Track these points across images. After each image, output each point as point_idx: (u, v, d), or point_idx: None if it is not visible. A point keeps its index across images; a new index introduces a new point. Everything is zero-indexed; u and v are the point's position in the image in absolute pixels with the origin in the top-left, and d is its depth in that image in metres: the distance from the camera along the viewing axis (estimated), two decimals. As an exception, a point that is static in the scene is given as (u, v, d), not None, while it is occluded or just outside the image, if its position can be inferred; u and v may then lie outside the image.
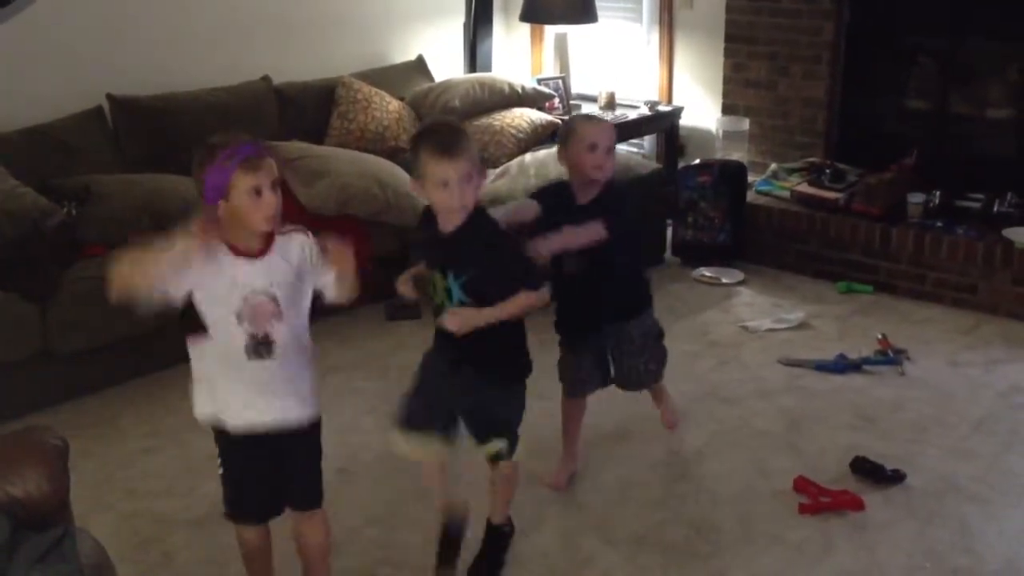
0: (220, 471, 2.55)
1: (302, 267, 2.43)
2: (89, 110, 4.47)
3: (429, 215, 2.65)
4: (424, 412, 2.77)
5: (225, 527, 2.66)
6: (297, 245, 2.43)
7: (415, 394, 2.80)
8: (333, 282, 2.46)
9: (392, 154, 4.99)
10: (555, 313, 3.21)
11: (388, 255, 4.61)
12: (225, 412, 2.46)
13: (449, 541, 2.88)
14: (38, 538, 2.13)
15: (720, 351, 4.26)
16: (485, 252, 2.62)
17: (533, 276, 2.66)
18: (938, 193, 4.81)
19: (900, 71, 5.30)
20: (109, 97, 4.54)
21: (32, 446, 2.30)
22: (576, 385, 3.30)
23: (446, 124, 2.74)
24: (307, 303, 2.49)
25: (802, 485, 3.27)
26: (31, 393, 3.71)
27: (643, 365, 3.29)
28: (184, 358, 2.55)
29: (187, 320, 2.39)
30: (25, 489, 2.21)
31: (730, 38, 5.51)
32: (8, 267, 3.74)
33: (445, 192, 2.51)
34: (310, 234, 2.47)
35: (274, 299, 2.38)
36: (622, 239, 3.04)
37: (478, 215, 2.61)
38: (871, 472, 3.33)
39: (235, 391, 2.42)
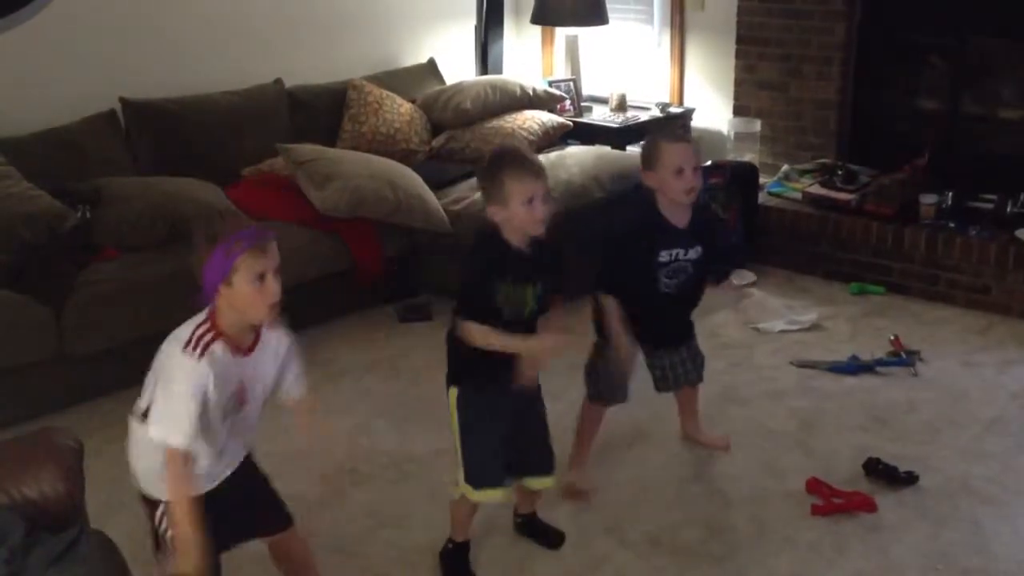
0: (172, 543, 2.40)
1: (278, 360, 2.42)
2: (102, 113, 4.49)
3: (494, 237, 2.68)
4: (500, 461, 2.80)
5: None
6: (279, 346, 2.41)
7: (490, 447, 2.77)
8: (296, 384, 2.48)
9: (403, 156, 5.01)
10: (634, 326, 3.15)
11: (399, 257, 4.64)
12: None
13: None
14: (53, 539, 2.15)
15: (732, 352, 4.26)
16: (556, 263, 2.77)
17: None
18: (951, 194, 4.79)
19: (912, 71, 5.28)
20: (122, 100, 4.56)
21: (47, 447, 2.32)
22: (619, 392, 3.28)
23: (519, 148, 2.84)
24: (270, 392, 2.45)
25: (814, 486, 3.26)
26: (46, 395, 3.73)
27: (689, 363, 3.39)
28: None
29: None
30: (40, 490, 2.23)
31: (741, 39, 5.50)
32: (23, 269, 3.76)
33: (530, 208, 2.60)
34: (291, 338, 2.44)
35: (243, 389, 2.34)
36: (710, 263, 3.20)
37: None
38: (884, 473, 3.32)
39: (203, 472, 2.36)
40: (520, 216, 2.62)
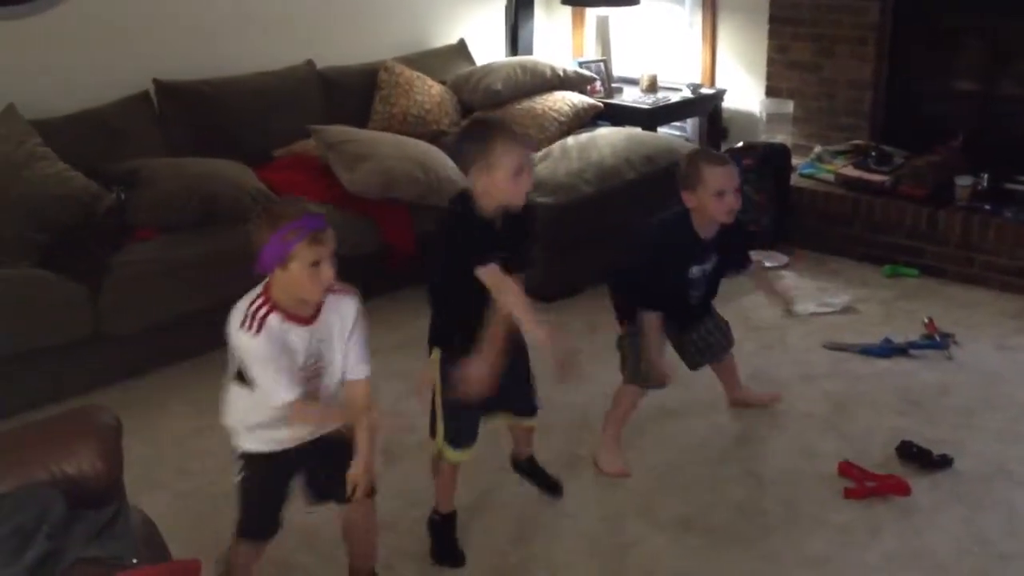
0: (241, 496, 2.57)
1: (345, 329, 2.47)
2: (136, 95, 4.51)
3: (469, 206, 2.67)
4: (477, 422, 2.87)
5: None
6: (346, 308, 2.47)
7: (468, 409, 2.81)
8: (357, 363, 2.52)
9: (434, 138, 5.00)
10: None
11: (430, 238, 4.64)
12: (259, 441, 2.50)
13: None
14: (93, 515, 2.17)
15: (764, 335, 4.24)
16: (525, 238, 2.80)
17: None
18: (986, 176, 4.75)
19: (947, 51, 5.22)
20: (156, 82, 4.58)
21: (86, 425, 2.34)
22: (655, 376, 3.31)
23: (503, 118, 2.83)
24: (343, 361, 2.51)
25: (847, 469, 3.25)
26: (83, 374, 3.77)
27: (717, 332, 3.50)
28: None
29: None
30: (79, 467, 2.25)
31: (774, 19, 5.45)
32: (59, 250, 3.80)
33: (519, 179, 2.60)
34: (358, 297, 2.51)
35: (320, 358, 2.44)
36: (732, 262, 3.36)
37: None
38: (917, 456, 3.31)
39: (276, 429, 2.45)
40: (507, 186, 2.61)
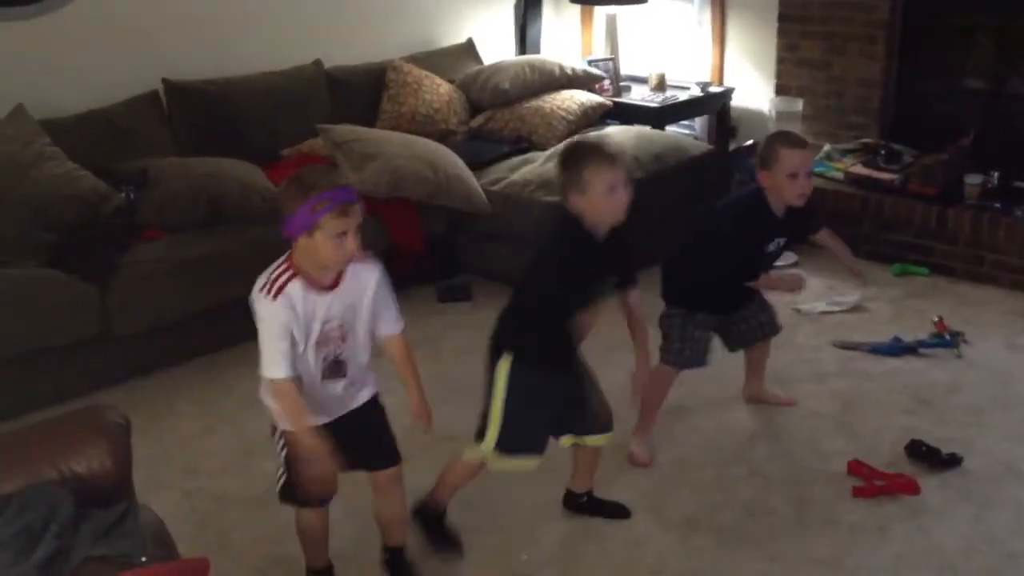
0: (283, 462, 2.56)
1: (367, 298, 2.51)
2: (144, 95, 4.53)
3: (580, 228, 2.71)
4: (536, 435, 2.85)
5: (281, 505, 2.68)
6: (367, 278, 2.50)
7: (539, 419, 2.82)
8: (390, 321, 2.58)
9: (442, 137, 5.01)
10: (706, 298, 3.36)
11: (438, 237, 4.65)
12: None
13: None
14: (102, 514, 2.18)
15: (773, 333, 4.23)
16: (629, 253, 2.84)
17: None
18: (996, 174, 4.73)
19: (957, 49, 5.20)
20: (164, 82, 4.59)
21: (95, 424, 2.35)
22: (700, 357, 3.39)
23: (597, 140, 2.94)
24: (369, 326, 2.56)
25: (856, 468, 3.24)
26: (91, 373, 3.78)
27: (763, 314, 3.53)
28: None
29: None
30: (88, 466, 2.25)
31: (783, 17, 5.44)
32: (67, 250, 3.81)
33: (613, 197, 2.66)
34: (380, 268, 2.54)
35: (341, 324, 2.47)
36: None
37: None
38: (927, 455, 3.30)
39: (308, 404, 2.47)
40: (603, 205, 2.67)
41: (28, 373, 3.62)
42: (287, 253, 2.42)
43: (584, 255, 2.70)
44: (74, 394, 3.62)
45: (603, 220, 2.71)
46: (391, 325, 2.59)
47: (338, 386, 2.53)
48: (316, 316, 2.41)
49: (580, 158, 2.70)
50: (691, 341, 3.35)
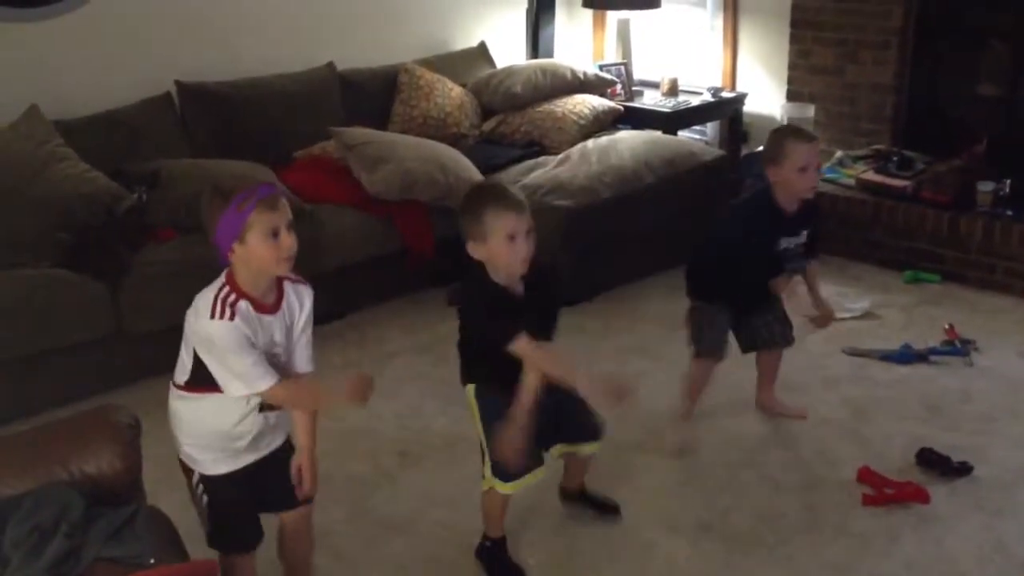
0: (205, 508, 2.45)
1: (301, 319, 2.40)
2: (157, 96, 4.54)
3: (486, 278, 2.59)
4: (534, 446, 2.73)
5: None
6: (304, 296, 2.40)
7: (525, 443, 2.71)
8: (303, 360, 2.43)
9: (454, 140, 5.01)
10: (725, 294, 3.41)
11: (449, 240, 4.64)
12: (219, 462, 2.41)
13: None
14: (111, 514, 2.19)
15: (783, 340, 4.22)
16: (556, 305, 2.78)
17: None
18: (1008, 181, 4.71)
19: (970, 56, 5.19)
20: (177, 83, 4.60)
21: (105, 425, 2.36)
22: (719, 345, 3.45)
23: (502, 184, 2.76)
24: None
25: (866, 476, 3.23)
26: (103, 373, 3.79)
27: (777, 325, 3.52)
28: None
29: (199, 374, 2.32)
30: (99, 467, 2.27)
31: (796, 23, 5.43)
32: (80, 250, 3.82)
33: (513, 247, 2.51)
34: (310, 291, 2.43)
35: (285, 350, 2.38)
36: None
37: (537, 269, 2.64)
38: (937, 464, 3.29)
39: (238, 439, 2.38)
40: (502, 253, 2.52)
41: (40, 373, 3.63)
42: (223, 276, 2.29)
43: (494, 306, 2.56)
44: (86, 394, 3.62)
45: (502, 270, 2.56)
46: (305, 363, 2.42)
47: (272, 417, 2.42)
48: (263, 340, 2.29)
49: (483, 203, 2.53)
50: (709, 328, 3.41)
